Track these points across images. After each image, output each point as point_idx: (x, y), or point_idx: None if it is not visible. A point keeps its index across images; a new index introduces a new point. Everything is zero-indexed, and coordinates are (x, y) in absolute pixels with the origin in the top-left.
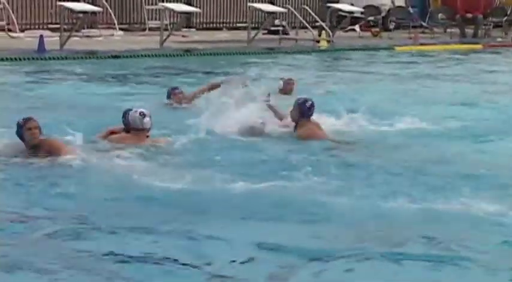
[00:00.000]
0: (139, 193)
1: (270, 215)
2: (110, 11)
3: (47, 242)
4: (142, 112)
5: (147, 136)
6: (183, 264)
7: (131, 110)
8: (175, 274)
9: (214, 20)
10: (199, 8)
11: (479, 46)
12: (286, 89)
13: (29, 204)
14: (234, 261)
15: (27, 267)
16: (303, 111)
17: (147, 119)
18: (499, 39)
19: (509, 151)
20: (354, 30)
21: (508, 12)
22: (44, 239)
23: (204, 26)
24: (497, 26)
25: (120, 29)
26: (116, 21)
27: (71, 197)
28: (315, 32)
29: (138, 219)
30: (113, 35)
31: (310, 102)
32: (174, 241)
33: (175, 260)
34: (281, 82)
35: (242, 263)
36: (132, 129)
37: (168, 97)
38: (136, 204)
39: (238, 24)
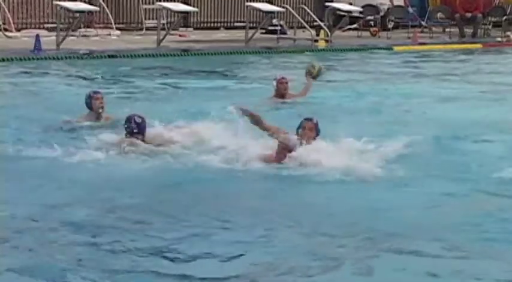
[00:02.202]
0: None
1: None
2: (107, 10)
3: None
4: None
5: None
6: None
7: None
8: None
9: (212, 20)
10: (197, 7)
11: (478, 46)
12: (280, 88)
13: None
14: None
15: None
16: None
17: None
18: (499, 39)
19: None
20: (353, 29)
21: (508, 12)
22: None
23: (202, 25)
24: (496, 25)
25: (117, 28)
26: (112, 21)
27: None
28: (313, 32)
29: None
30: (109, 34)
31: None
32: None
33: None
34: (274, 82)
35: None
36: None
37: None
38: None
39: (236, 24)
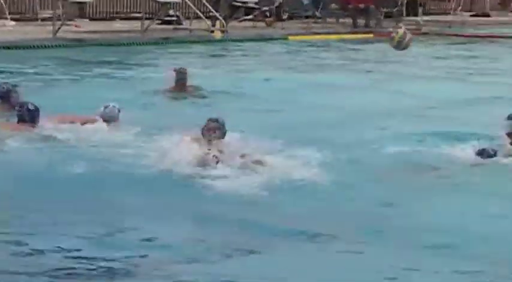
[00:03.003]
0: None
1: None
2: (1, 0)
3: None
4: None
5: None
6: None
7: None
8: None
9: (108, 10)
10: None
11: (370, 36)
12: (180, 79)
13: None
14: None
15: None
16: None
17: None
18: (390, 29)
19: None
20: (249, 20)
21: (399, 3)
22: None
23: (98, 16)
24: (388, 16)
25: (12, 19)
26: (7, 11)
27: None
28: (209, 22)
29: None
30: (4, 25)
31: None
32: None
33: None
34: (174, 73)
35: None
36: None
37: None
38: None
39: (133, 15)
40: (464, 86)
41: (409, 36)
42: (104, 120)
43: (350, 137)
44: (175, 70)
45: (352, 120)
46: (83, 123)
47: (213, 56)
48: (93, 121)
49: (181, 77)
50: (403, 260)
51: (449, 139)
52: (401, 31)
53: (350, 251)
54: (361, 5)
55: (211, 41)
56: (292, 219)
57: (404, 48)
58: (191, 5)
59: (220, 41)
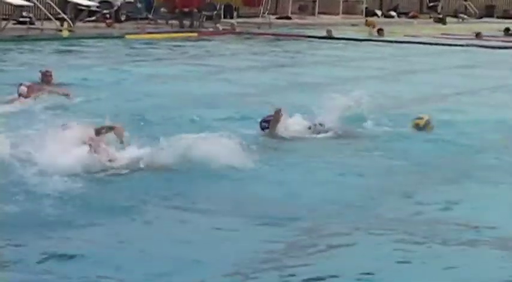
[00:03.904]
0: None
1: None
2: None
3: None
4: None
5: None
6: None
7: None
8: None
9: None
10: None
11: (195, 35)
12: (46, 80)
13: None
14: None
15: None
16: None
17: None
18: (211, 29)
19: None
20: (92, 21)
21: (218, 7)
22: None
23: None
24: (208, 18)
25: None
26: None
27: None
28: (58, 23)
29: None
30: None
31: None
32: None
33: None
34: (39, 74)
35: None
36: None
37: None
38: None
39: None
40: (275, 75)
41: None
42: None
43: (179, 120)
44: (40, 71)
45: (181, 106)
46: None
47: (61, 51)
48: None
49: (46, 79)
50: None
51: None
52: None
53: None
54: (186, 9)
55: (59, 39)
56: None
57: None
58: (42, 7)
59: (67, 38)
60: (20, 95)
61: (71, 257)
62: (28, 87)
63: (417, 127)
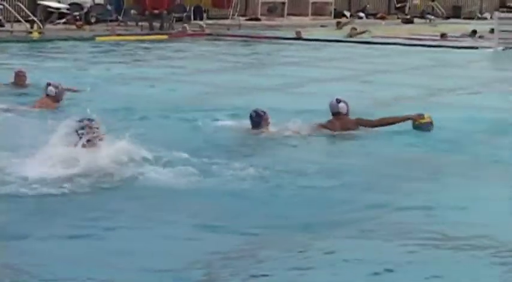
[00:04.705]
0: None
1: None
2: None
3: None
4: None
5: None
6: None
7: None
8: None
9: None
10: None
11: (164, 36)
12: (19, 80)
13: None
14: None
15: None
16: None
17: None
18: (179, 29)
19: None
20: (62, 23)
21: (187, 9)
22: None
23: None
24: (178, 20)
25: None
26: None
27: None
28: (28, 25)
29: None
30: None
31: None
32: None
33: None
34: (13, 74)
35: None
36: None
37: None
38: None
39: None
40: (244, 77)
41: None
42: None
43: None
44: (14, 71)
45: (150, 107)
46: None
47: (32, 53)
48: None
49: (19, 79)
50: None
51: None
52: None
53: None
54: (156, 11)
55: (29, 41)
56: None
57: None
58: (12, 10)
59: (37, 41)
60: (47, 95)
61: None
62: (56, 87)
63: (420, 124)
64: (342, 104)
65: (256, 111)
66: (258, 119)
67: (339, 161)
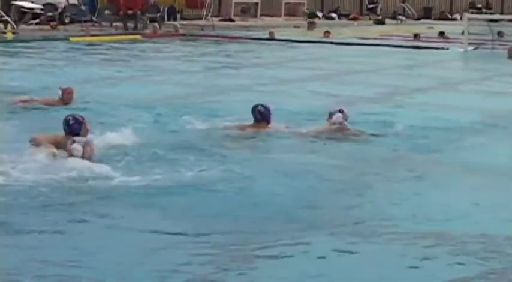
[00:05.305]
0: None
1: None
2: None
3: None
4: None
5: None
6: None
7: None
8: None
9: None
10: None
11: (138, 37)
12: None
13: None
14: None
15: None
16: None
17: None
18: (151, 30)
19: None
20: (36, 23)
21: (161, 10)
22: None
23: None
24: (152, 20)
25: None
26: None
27: None
28: (2, 25)
29: None
30: None
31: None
32: None
33: None
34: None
35: None
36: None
37: None
38: None
39: None
40: (218, 77)
41: None
42: None
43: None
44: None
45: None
46: None
47: (5, 54)
48: None
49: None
50: None
51: (209, 117)
52: None
53: None
54: (130, 11)
55: (3, 41)
56: None
57: None
58: None
59: (11, 41)
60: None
61: None
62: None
63: None
64: (344, 115)
65: (264, 106)
66: (267, 113)
67: (322, 161)
